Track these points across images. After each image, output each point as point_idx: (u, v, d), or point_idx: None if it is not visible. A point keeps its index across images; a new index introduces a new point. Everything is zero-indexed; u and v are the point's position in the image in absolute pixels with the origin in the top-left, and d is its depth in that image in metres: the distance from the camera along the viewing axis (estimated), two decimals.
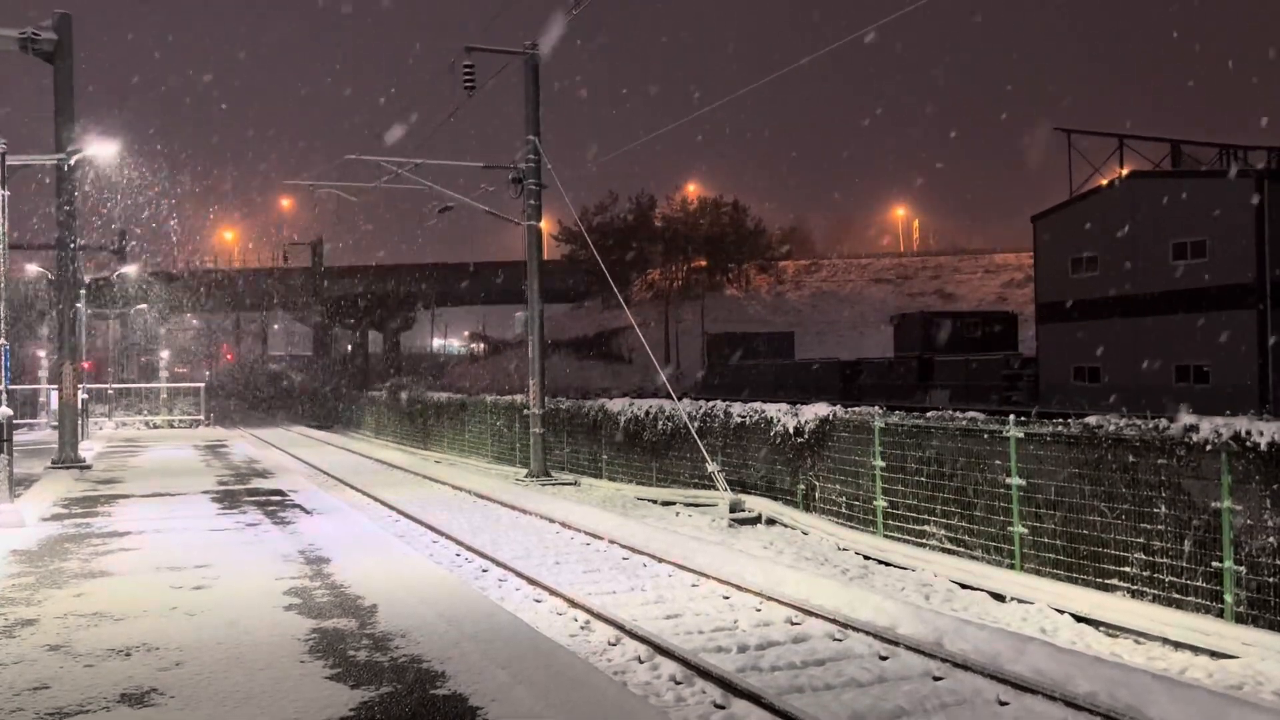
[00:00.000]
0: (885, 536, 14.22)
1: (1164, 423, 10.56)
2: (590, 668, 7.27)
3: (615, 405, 23.22)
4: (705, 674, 8.13)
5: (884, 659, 8.81)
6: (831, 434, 15.79)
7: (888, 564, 13.19)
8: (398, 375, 59.32)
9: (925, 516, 13.60)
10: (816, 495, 16.18)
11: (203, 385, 57.32)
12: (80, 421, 27.11)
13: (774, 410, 17.38)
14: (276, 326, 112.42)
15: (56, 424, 25.66)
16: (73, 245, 23.67)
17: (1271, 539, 9.45)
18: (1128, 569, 10.72)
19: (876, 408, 15.41)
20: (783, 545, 14.70)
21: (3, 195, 15.72)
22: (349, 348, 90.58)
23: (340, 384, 70.71)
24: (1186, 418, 10.32)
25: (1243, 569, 9.68)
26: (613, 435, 22.99)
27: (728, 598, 11.24)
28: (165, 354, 78.12)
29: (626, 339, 72.68)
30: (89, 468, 23.11)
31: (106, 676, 6.76)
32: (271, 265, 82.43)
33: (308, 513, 15.10)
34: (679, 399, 20.75)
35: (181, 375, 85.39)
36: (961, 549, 12.92)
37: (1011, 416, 12.51)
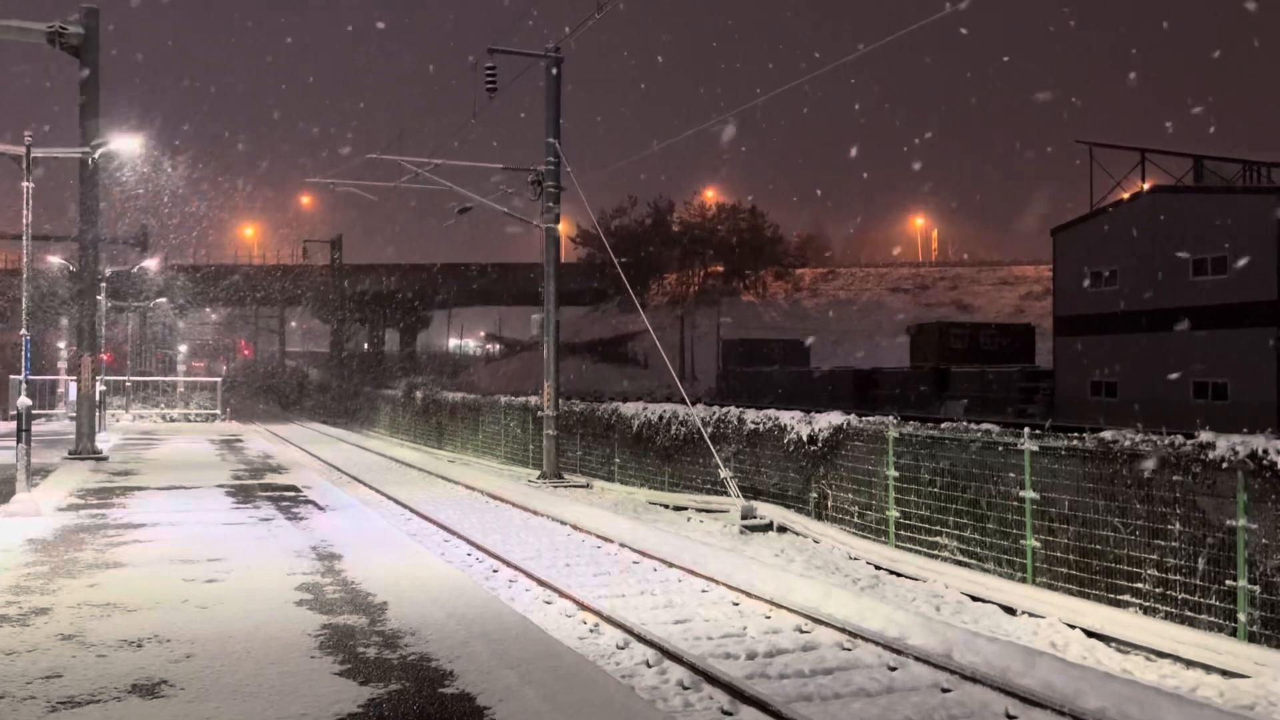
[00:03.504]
0: (897, 547, 14.18)
1: (1180, 439, 10.51)
2: (599, 670, 7.28)
3: (629, 409, 23.24)
4: (713, 680, 8.12)
5: (893, 669, 8.79)
6: (845, 443, 15.76)
7: (899, 574, 13.14)
8: (413, 374, 59.49)
9: (938, 528, 13.55)
10: (829, 504, 16.15)
11: (220, 380, 57.63)
12: (98, 413, 27.30)
13: (788, 417, 17.35)
14: (294, 323, 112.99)
15: (74, 415, 25.85)
16: (93, 238, 23.85)
17: None
18: (1140, 585, 10.66)
19: (891, 417, 15.37)
20: (794, 553, 14.67)
21: (28, 187, 15.85)
22: (365, 345, 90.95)
23: (356, 381, 70.95)
24: (1203, 435, 10.27)
25: (1257, 588, 9.62)
26: (626, 439, 23.01)
27: (737, 604, 11.23)
28: (183, 348, 78.64)
29: (642, 343, 72.72)
30: (105, 459, 23.27)
31: (118, 667, 6.81)
32: (291, 262, 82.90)
33: (321, 509, 15.16)
34: (693, 404, 20.75)
35: (198, 370, 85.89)
36: (973, 561, 12.87)
37: (1026, 429, 12.46)
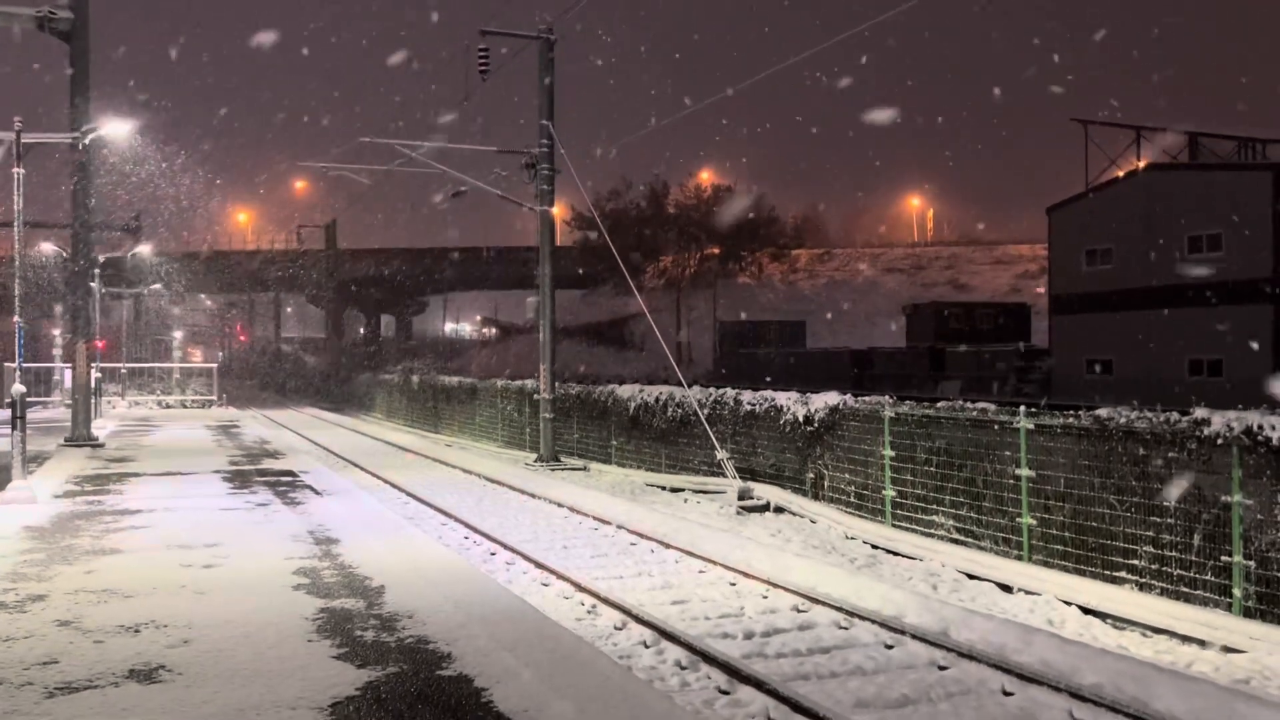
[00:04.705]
0: (893, 526, 14.21)
1: (1175, 416, 10.52)
2: (596, 651, 7.29)
3: (625, 391, 23.24)
4: (711, 659, 8.14)
5: (890, 648, 8.81)
6: (841, 423, 15.77)
7: (895, 553, 13.18)
8: (409, 358, 59.42)
9: (934, 507, 13.58)
10: (825, 484, 16.17)
11: (215, 366, 57.58)
12: (93, 400, 27.26)
13: (784, 399, 17.36)
14: (289, 309, 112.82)
15: (70, 402, 25.80)
16: (86, 224, 23.75)
17: None
18: (1136, 562, 10.70)
19: (887, 397, 15.38)
20: (791, 533, 14.70)
21: (18, 173, 15.77)
22: (361, 330, 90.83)
23: (352, 366, 70.90)
24: (1199, 411, 10.28)
25: (1252, 563, 9.65)
26: (622, 421, 23.01)
27: (734, 584, 11.26)
28: (179, 334, 78.56)
29: (638, 326, 72.63)
30: (101, 446, 23.24)
31: (115, 653, 6.81)
32: (285, 247, 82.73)
33: (318, 494, 15.16)
34: (689, 386, 20.75)
35: (194, 356, 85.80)
36: (970, 539, 12.90)
37: (1022, 408, 12.47)
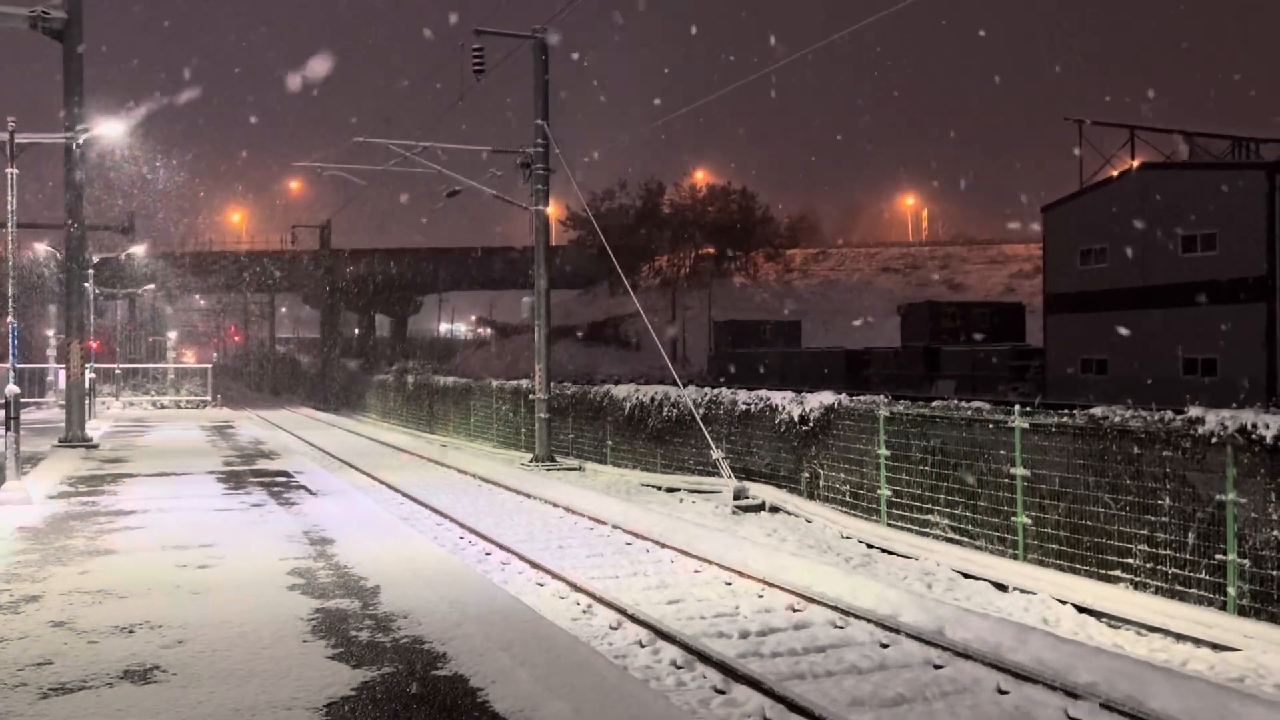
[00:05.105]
0: (889, 525, 14.22)
1: (1170, 415, 10.54)
2: (592, 651, 7.28)
3: (621, 391, 23.23)
4: (706, 659, 8.14)
5: (885, 647, 8.82)
6: (836, 422, 15.78)
7: (891, 553, 13.19)
8: (404, 359, 59.34)
9: (929, 506, 13.59)
10: (821, 483, 16.18)
11: (210, 366, 57.49)
12: (87, 401, 27.19)
13: (779, 398, 17.37)
14: (284, 309, 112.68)
15: (64, 403, 25.74)
16: (79, 225, 23.70)
17: (1276, 532, 9.43)
18: (1131, 560, 10.71)
19: (882, 397, 15.39)
20: (786, 533, 14.70)
21: (12, 173, 15.73)
22: (356, 331, 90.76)
23: (347, 367, 70.79)
24: (1193, 410, 10.29)
25: (1246, 562, 9.67)
26: (618, 421, 23.01)
27: (730, 584, 11.26)
28: (173, 335, 78.47)
29: (634, 326, 72.65)
30: (96, 446, 23.18)
31: (110, 653, 6.79)
32: (280, 247, 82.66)
33: (313, 494, 15.13)
34: (684, 386, 20.75)
35: (188, 356, 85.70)
36: (965, 539, 12.91)
37: (1017, 407, 12.48)
